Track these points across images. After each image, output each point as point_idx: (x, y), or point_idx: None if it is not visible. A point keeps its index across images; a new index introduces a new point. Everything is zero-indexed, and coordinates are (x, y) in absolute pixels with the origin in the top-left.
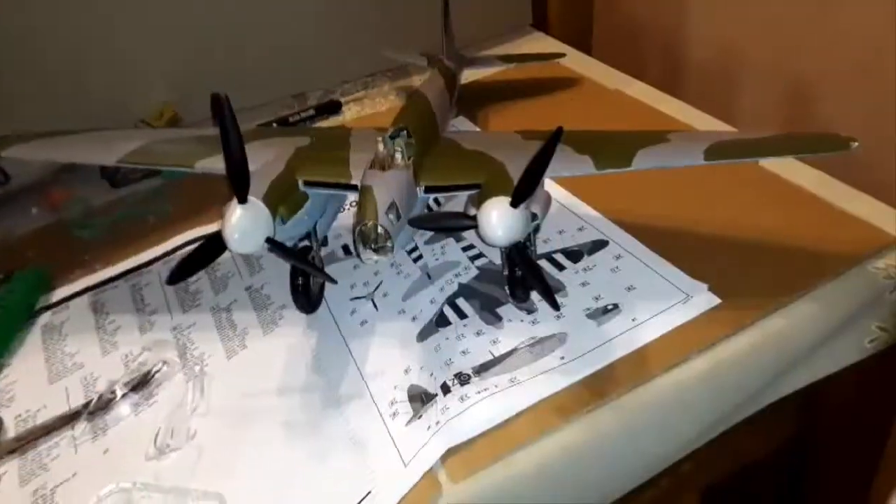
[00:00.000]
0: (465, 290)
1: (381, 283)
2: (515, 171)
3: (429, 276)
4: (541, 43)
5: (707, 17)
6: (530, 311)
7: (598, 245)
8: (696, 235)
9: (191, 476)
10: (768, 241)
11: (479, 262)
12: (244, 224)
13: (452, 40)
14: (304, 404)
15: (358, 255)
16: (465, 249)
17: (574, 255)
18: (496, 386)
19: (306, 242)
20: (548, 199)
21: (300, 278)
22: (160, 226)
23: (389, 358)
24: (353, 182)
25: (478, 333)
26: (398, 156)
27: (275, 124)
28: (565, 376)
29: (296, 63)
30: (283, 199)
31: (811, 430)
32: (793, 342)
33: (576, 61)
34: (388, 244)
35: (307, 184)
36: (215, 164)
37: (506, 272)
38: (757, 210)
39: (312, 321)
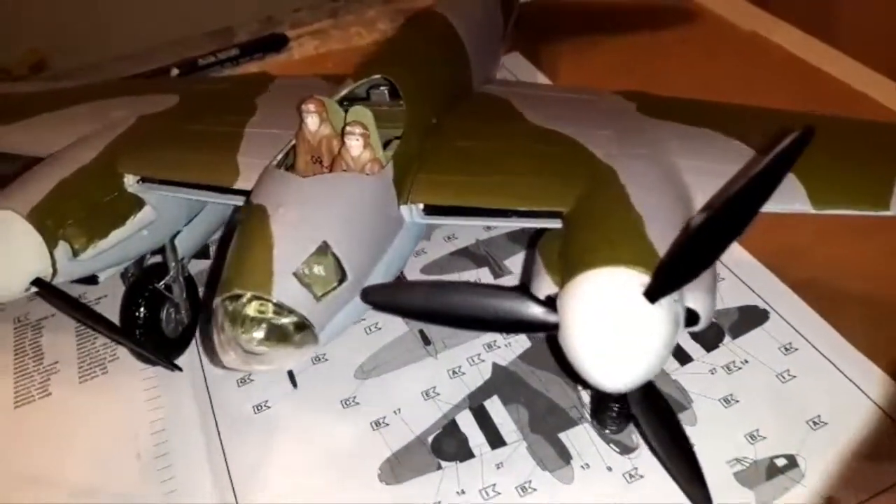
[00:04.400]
0: (502, 381)
1: None
2: (642, 193)
3: (426, 340)
4: None
5: None
6: (625, 450)
7: (751, 318)
8: None
9: None
10: None
11: None
12: None
13: None
14: None
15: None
16: None
17: (707, 334)
18: None
19: (158, 258)
20: (715, 277)
21: (141, 305)
22: None
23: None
24: (240, 186)
25: (524, 488)
26: (354, 143)
27: (175, 71)
28: None
29: None
30: (77, 215)
31: None
32: None
33: None
34: (301, 335)
35: (147, 181)
36: None
37: None
38: None
39: (167, 380)
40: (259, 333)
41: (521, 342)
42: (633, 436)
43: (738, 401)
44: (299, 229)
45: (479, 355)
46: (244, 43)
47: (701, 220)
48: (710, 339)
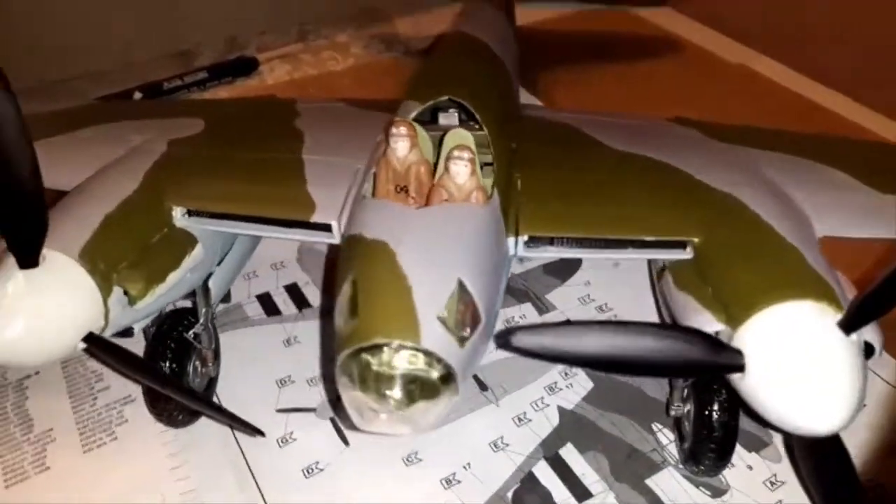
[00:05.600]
0: (573, 426)
1: None
2: (781, 223)
3: (482, 386)
4: None
5: None
6: (717, 493)
7: None
8: None
9: None
10: None
11: None
12: (30, 313)
13: None
14: None
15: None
16: None
17: None
18: None
19: (187, 302)
20: None
21: (167, 358)
22: None
23: None
24: (319, 219)
25: None
26: (462, 169)
27: (138, 94)
28: None
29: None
30: (130, 256)
31: None
32: None
33: (666, 19)
34: (445, 388)
35: (196, 214)
36: None
37: (673, 408)
38: None
39: (191, 444)
40: (406, 389)
41: (581, 383)
42: (721, 477)
43: None
44: (433, 267)
45: (542, 399)
46: (213, 66)
47: None
48: None
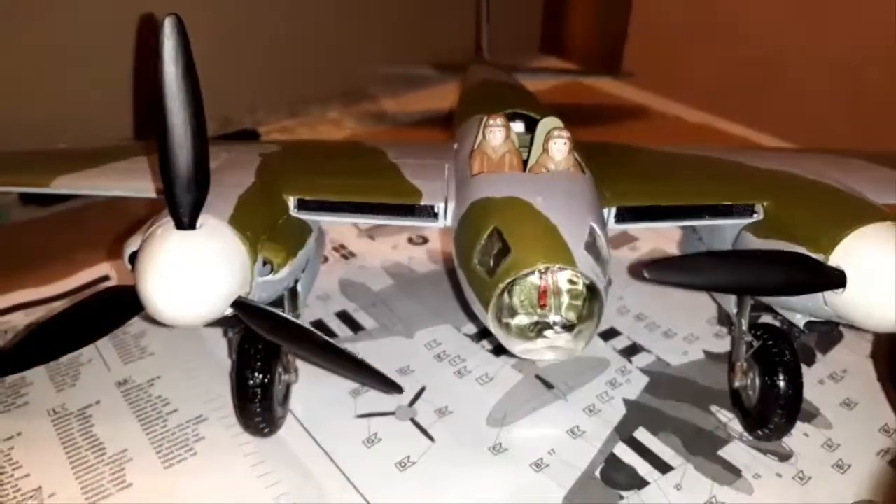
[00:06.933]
0: (640, 413)
1: (423, 389)
2: (835, 185)
3: (547, 385)
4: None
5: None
6: (784, 458)
7: (828, 336)
8: None
9: None
10: None
11: (642, 363)
12: (190, 272)
13: (491, 35)
14: None
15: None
16: (605, 338)
17: (803, 351)
18: None
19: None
20: None
21: (258, 374)
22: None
23: None
24: (428, 203)
25: None
26: (562, 146)
27: None
28: None
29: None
30: (266, 231)
31: None
32: None
33: (615, 88)
34: (594, 314)
35: (306, 206)
36: (84, 181)
37: (737, 380)
38: None
39: (273, 454)
40: (570, 310)
41: (637, 378)
42: (783, 444)
43: (857, 403)
44: (569, 213)
45: (607, 392)
46: (215, 137)
47: None
48: (807, 356)
